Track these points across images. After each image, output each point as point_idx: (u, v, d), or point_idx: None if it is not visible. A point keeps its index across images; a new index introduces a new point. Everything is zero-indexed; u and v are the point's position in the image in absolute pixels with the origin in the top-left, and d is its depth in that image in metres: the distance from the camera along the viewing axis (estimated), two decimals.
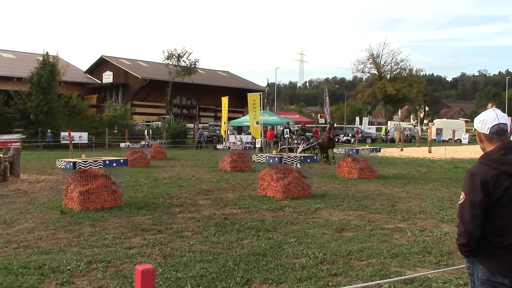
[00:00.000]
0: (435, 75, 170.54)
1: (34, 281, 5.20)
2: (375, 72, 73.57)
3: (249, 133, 31.25)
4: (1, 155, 14.81)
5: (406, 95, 69.71)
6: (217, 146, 18.47)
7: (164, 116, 48.81)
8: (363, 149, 16.31)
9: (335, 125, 23.47)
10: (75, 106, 39.24)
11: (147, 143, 21.74)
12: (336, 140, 46.28)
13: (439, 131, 50.58)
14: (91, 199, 9.55)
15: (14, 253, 6.35)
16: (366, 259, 6.05)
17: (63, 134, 33.26)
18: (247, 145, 20.96)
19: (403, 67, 73.36)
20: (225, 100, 25.60)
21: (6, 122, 36.28)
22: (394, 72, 73.06)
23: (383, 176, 15.79)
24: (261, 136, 26.31)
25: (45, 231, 7.65)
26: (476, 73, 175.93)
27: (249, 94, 25.99)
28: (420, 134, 47.34)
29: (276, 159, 11.44)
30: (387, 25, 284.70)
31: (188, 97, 60.64)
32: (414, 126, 60.93)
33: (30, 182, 14.31)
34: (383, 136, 53.24)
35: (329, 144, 20.76)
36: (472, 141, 45.40)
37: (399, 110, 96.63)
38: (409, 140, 49.07)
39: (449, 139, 45.41)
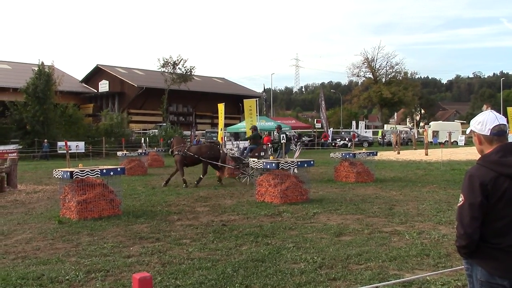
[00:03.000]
0: (430, 77, 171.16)
1: None
2: (371, 76, 73.96)
3: (246, 139, 31.26)
4: None
5: (401, 98, 70.06)
6: None
7: (160, 124, 48.81)
8: (360, 153, 16.34)
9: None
10: (72, 116, 39.20)
11: (144, 151, 21.73)
12: (334, 144, 46.56)
13: (435, 134, 50.80)
14: (89, 209, 9.53)
15: (12, 264, 6.34)
16: (365, 263, 6.05)
17: (59, 144, 33.21)
18: (244, 151, 20.94)
19: (398, 70, 73.90)
20: (221, 107, 25.65)
21: (3, 133, 36.26)
22: (389, 76, 73.51)
23: (381, 180, 15.81)
24: None
25: (43, 242, 7.63)
26: (471, 75, 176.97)
27: (245, 100, 26.10)
28: (416, 137, 47.49)
29: (273, 164, 11.45)
30: (380, 29, 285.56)
31: (184, 104, 60.64)
32: (411, 129, 61.15)
33: (28, 192, 14.28)
34: (379, 139, 53.38)
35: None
36: (468, 143, 45.54)
37: (395, 114, 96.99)
38: (405, 143, 49.21)
39: (445, 141, 45.62)
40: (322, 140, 47.83)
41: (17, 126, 35.97)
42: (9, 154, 26.81)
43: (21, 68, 50.28)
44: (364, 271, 5.69)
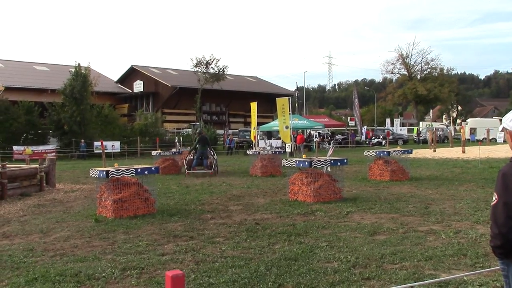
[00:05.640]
0: (467, 73, 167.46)
1: None
2: (405, 72, 72.77)
3: (279, 138, 31.27)
4: (37, 165, 15.19)
5: (437, 95, 68.66)
6: (247, 152, 18.44)
7: (194, 123, 49.26)
8: (394, 150, 16.11)
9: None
10: (107, 116, 39.99)
11: (178, 150, 21.95)
12: (367, 142, 46.11)
13: (472, 131, 49.64)
14: (124, 207, 9.69)
15: (51, 261, 6.50)
16: (400, 262, 5.96)
17: (96, 143, 33.95)
18: (277, 149, 20.94)
19: (433, 66, 72.42)
20: (254, 106, 25.67)
21: (42, 133, 37.27)
22: (425, 72, 72.15)
23: (416, 178, 15.55)
24: (291, 140, 26.29)
25: (81, 239, 7.81)
26: (510, 70, 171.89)
27: (278, 99, 26.03)
28: (453, 134, 46.50)
29: (306, 163, 11.40)
30: (414, 25, 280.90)
31: (217, 104, 61.08)
32: (447, 126, 59.90)
33: (65, 191, 14.62)
34: (415, 137, 52.55)
35: None
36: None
37: (431, 110, 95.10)
38: (442, 140, 48.28)
39: (483, 138, 44.52)
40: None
41: (55, 127, 36.93)
42: (48, 154, 27.57)
43: (58, 70, 51.59)
44: (399, 271, 5.61)
